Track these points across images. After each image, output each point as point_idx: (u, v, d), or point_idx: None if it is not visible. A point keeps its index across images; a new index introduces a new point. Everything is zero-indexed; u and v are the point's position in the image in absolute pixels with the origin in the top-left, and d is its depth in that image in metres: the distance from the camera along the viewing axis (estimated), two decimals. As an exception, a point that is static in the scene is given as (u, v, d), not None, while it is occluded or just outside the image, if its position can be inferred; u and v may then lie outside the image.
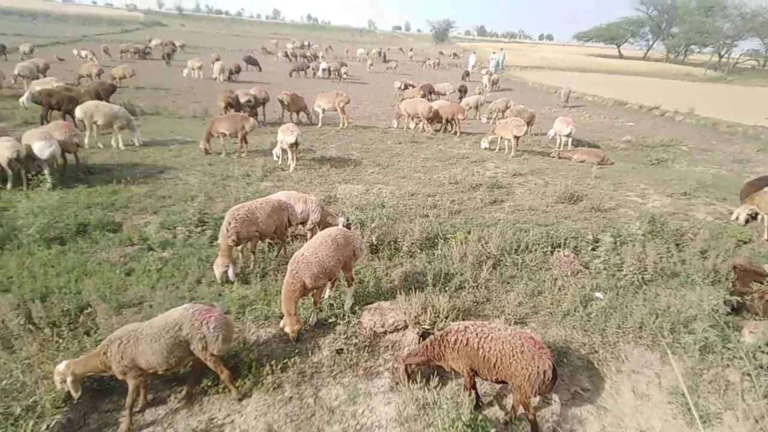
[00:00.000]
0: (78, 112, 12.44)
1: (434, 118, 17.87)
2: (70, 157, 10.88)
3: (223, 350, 4.85)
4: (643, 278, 7.40)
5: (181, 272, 6.79)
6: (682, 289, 7.27)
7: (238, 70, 28.84)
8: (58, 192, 9.39)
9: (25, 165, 9.64)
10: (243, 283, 6.65)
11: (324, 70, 34.05)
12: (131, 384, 4.57)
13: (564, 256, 7.83)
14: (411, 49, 68.69)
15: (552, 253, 8.03)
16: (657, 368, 5.75)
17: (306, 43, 64.58)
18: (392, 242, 7.93)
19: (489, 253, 7.75)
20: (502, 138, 15.63)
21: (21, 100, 16.25)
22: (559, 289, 7.03)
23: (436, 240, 8.18)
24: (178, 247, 7.47)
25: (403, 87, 26.56)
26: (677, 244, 8.90)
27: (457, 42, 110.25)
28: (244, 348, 5.34)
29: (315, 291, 5.84)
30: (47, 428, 4.42)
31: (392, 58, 51.98)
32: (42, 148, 9.65)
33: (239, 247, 7.11)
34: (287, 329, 5.41)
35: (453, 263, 7.51)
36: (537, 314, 6.54)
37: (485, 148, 15.85)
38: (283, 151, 12.40)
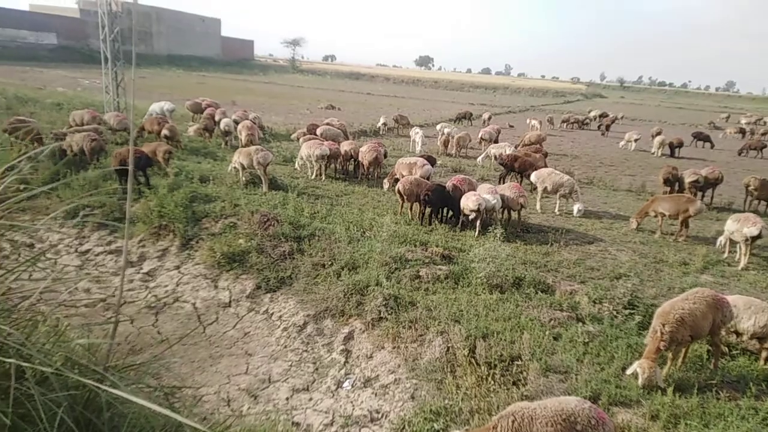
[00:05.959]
0: (533, 176, 13.95)
1: None
2: (513, 214, 12.34)
3: None
4: None
5: (608, 354, 6.55)
6: None
7: (680, 144, 26.66)
8: (502, 245, 10.72)
9: (482, 216, 11.48)
10: (678, 390, 5.85)
11: (794, 150, 27.72)
12: None
13: None
14: None
15: None
16: None
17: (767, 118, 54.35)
18: None
19: None
20: None
21: (478, 159, 19.60)
22: None
23: None
24: (605, 325, 7.27)
25: None
26: None
27: None
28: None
29: None
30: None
31: None
32: (489, 201, 11.33)
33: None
34: None
35: None
36: None
37: None
38: (734, 242, 10.59)
